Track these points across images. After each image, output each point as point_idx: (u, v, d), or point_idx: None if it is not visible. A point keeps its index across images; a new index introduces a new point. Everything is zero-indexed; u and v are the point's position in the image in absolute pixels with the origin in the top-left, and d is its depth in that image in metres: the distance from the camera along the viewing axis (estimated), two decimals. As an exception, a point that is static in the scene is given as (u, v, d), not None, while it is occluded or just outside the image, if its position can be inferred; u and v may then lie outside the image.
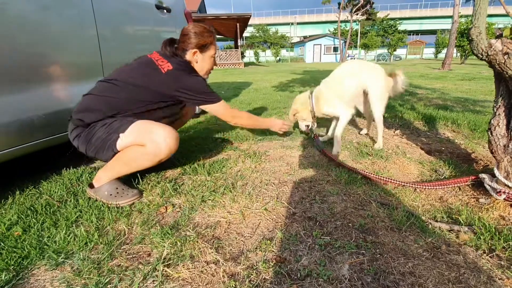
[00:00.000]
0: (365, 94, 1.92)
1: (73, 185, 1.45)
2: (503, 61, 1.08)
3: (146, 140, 1.24)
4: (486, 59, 1.12)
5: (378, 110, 1.89)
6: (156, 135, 1.25)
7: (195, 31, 1.47)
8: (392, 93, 1.98)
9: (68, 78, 1.54)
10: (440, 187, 1.37)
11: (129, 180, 1.45)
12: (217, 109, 1.51)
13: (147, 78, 1.34)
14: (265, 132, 2.44)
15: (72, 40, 1.55)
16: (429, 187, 1.37)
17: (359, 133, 2.38)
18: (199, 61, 1.52)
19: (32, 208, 1.23)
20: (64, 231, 1.05)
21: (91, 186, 1.34)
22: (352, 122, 2.64)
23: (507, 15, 1.14)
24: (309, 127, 2.18)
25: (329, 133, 2.21)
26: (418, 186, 1.38)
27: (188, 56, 1.49)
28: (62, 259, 0.92)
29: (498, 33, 1.14)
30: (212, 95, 1.47)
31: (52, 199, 1.30)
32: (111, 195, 1.28)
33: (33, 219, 1.14)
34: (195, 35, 1.47)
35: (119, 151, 1.28)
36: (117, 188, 1.29)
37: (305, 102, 2.02)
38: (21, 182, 1.49)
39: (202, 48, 1.50)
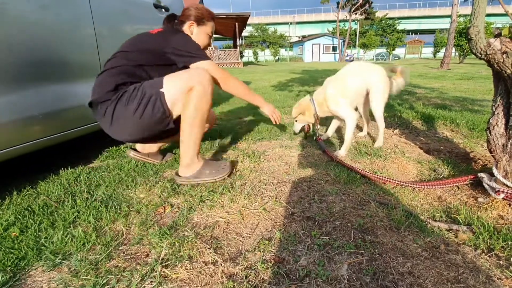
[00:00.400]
0: (366, 93, 1.94)
1: (70, 185, 1.44)
2: (502, 60, 1.08)
3: (191, 83, 1.27)
4: (485, 58, 1.12)
5: (379, 109, 1.91)
6: (194, 75, 1.29)
7: (196, 7, 1.55)
8: (395, 91, 2.02)
9: (65, 78, 1.52)
10: (439, 186, 1.37)
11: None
12: (207, 68, 1.39)
13: (140, 42, 1.39)
14: (264, 131, 2.44)
15: (69, 40, 1.54)
16: (428, 187, 1.37)
17: (356, 134, 2.37)
18: (194, 34, 1.55)
19: (29, 208, 1.22)
20: (61, 232, 1.04)
21: (178, 175, 1.41)
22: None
23: (505, 14, 1.14)
24: (310, 128, 2.18)
25: (328, 132, 2.21)
26: (417, 186, 1.38)
27: (185, 27, 1.54)
28: (60, 260, 0.92)
29: (496, 32, 1.14)
30: (201, 51, 1.43)
31: (49, 200, 1.30)
32: (214, 171, 1.42)
33: (30, 220, 1.13)
34: (195, 9, 1.54)
35: (171, 111, 1.30)
36: (212, 165, 1.44)
37: (308, 106, 2.03)
38: (18, 183, 1.48)
39: (199, 21, 1.54)
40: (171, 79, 1.30)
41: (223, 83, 1.50)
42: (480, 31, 1.10)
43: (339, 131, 2.37)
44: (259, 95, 1.71)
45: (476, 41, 1.11)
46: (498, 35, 1.12)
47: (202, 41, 1.57)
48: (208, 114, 1.40)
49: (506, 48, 1.07)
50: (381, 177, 1.44)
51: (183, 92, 1.28)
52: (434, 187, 1.37)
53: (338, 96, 1.89)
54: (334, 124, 2.21)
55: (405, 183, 1.39)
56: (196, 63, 1.40)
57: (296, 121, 2.14)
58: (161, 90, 1.26)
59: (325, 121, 2.47)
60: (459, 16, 13.11)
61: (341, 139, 2.18)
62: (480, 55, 1.13)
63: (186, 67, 1.41)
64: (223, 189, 1.37)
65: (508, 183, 1.16)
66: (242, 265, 0.88)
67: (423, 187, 1.37)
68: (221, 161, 1.52)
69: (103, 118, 1.32)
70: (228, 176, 1.50)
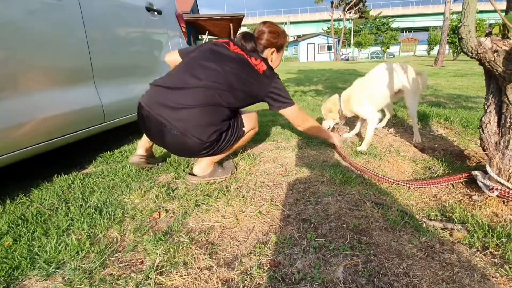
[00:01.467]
0: (396, 92, 2.07)
1: (64, 192, 1.43)
2: (493, 59, 1.08)
3: (253, 124, 1.57)
4: (476, 57, 1.13)
5: (413, 108, 2.05)
6: (255, 119, 1.59)
7: (278, 33, 1.54)
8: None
9: (55, 83, 1.50)
10: (434, 185, 1.38)
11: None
12: (292, 112, 1.56)
13: (247, 82, 1.41)
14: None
15: (59, 44, 1.52)
16: (423, 186, 1.38)
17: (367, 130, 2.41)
18: (273, 60, 1.60)
19: (22, 217, 1.21)
20: (55, 240, 1.03)
21: (193, 175, 1.52)
22: (348, 123, 2.64)
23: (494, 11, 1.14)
24: (332, 127, 2.21)
25: (351, 133, 2.33)
26: (412, 185, 1.38)
27: (266, 53, 1.55)
28: (53, 269, 0.91)
29: (487, 31, 1.14)
30: (289, 97, 1.54)
31: (43, 207, 1.28)
32: (221, 171, 1.56)
33: (23, 229, 1.12)
34: (278, 37, 1.54)
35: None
36: (219, 165, 1.58)
37: (334, 103, 2.09)
38: (11, 190, 1.46)
39: (280, 48, 1.59)
40: (246, 119, 1.54)
41: (302, 126, 1.68)
42: (470, 30, 1.11)
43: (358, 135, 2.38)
44: (328, 131, 1.95)
45: (467, 40, 1.11)
46: (489, 34, 1.13)
47: (278, 63, 1.65)
48: None
49: (497, 46, 1.08)
50: (384, 177, 1.45)
51: (250, 128, 1.56)
52: (429, 186, 1.38)
53: (363, 99, 1.98)
54: (359, 126, 2.33)
55: (401, 182, 1.40)
56: (287, 108, 1.52)
57: (324, 119, 2.17)
58: (243, 128, 1.52)
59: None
60: (452, 13, 13.21)
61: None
62: (471, 54, 1.13)
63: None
64: (218, 192, 1.36)
65: (502, 181, 1.16)
66: (237, 270, 0.88)
67: (418, 186, 1.38)
68: (225, 161, 1.66)
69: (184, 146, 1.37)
70: (233, 173, 1.60)
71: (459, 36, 1.13)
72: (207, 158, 1.48)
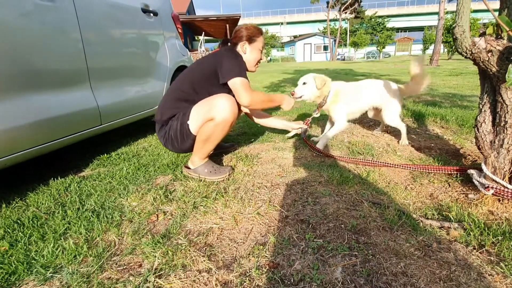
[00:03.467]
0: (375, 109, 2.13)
1: (61, 196, 1.42)
2: (487, 59, 1.10)
3: (212, 114, 1.44)
4: (471, 57, 1.14)
5: (394, 120, 2.03)
6: (217, 106, 1.44)
7: (246, 27, 1.70)
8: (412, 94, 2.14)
9: (50, 85, 1.49)
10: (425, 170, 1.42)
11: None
12: (234, 83, 1.50)
13: (200, 64, 1.60)
14: (257, 134, 2.43)
15: (55, 47, 1.51)
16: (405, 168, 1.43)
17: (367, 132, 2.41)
18: (248, 52, 1.70)
19: (19, 221, 1.20)
20: (52, 245, 1.02)
21: (187, 167, 1.62)
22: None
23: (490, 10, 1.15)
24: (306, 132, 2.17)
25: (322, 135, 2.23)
26: (393, 166, 1.40)
27: (239, 48, 1.69)
28: (51, 274, 0.90)
29: (481, 31, 1.15)
30: (238, 71, 1.51)
31: (39, 211, 1.27)
32: (210, 172, 1.55)
33: (20, 233, 1.11)
34: (245, 29, 1.68)
35: (195, 135, 1.51)
36: (213, 167, 1.58)
37: (328, 85, 2.02)
38: (7, 194, 1.45)
39: (250, 39, 1.68)
40: (196, 110, 1.48)
41: (250, 101, 1.54)
42: (465, 30, 1.12)
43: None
44: (277, 96, 1.79)
45: (461, 40, 1.12)
46: (483, 34, 1.14)
47: (255, 56, 1.72)
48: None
49: (491, 46, 1.09)
50: (358, 160, 1.58)
51: (205, 121, 1.47)
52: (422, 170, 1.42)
53: (343, 103, 2.00)
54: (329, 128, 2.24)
55: (380, 163, 1.41)
56: (230, 80, 1.50)
57: (304, 84, 2.01)
58: (188, 121, 1.48)
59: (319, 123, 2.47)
60: (447, 13, 13.33)
61: (334, 140, 2.19)
62: (465, 54, 1.14)
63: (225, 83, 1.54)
64: (216, 194, 1.36)
65: (497, 179, 1.18)
66: (236, 272, 0.88)
67: (402, 167, 1.44)
68: (224, 166, 1.70)
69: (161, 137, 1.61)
70: (221, 181, 1.53)
71: (454, 37, 1.14)
72: (193, 153, 1.59)
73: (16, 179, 1.69)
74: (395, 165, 1.59)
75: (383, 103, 2.04)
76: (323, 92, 2.01)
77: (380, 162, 1.65)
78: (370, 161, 1.64)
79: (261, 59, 1.79)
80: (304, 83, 2.01)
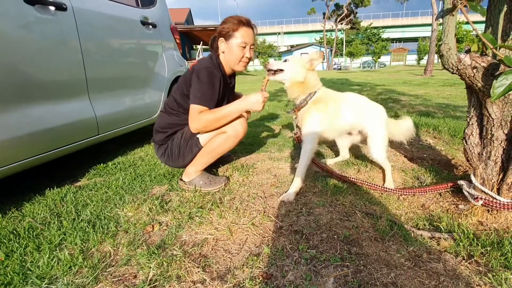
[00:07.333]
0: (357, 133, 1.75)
1: (57, 206, 1.42)
2: (472, 75, 1.14)
3: (225, 128, 1.49)
4: (457, 73, 1.19)
5: (380, 154, 1.60)
6: (232, 121, 1.48)
7: (223, 21, 1.53)
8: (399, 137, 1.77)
9: (49, 96, 1.51)
10: (420, 194, 1.43)
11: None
12: (190, 109, 1.44)
13: (179, 87, 1.59)
14: (253, 144, 2.46)
15: (54, 58, 1.54)
16: (411, 194, 1.42)
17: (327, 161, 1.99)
18: (226, 51, 1.53)
19: (14, 231, 1.20)
20: (47, 255, 1.03)
21: (182, 180, 1.61)
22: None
23: (483, 21, 1.20)
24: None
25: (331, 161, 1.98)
26: (403, 193, 1.42)
27: (220, 48, 1.56)
28: (46, 285, 0.90)
29: (466, 48, 1.21)
30: (200, 95, 1.42)
31: (35, 222, 1.28)
32: (205, 183, 1.55)
33: (15, 244, 1.11)
34: (221, 25, 1.52)
35: (202, 147, 1.54)
36: (208, 178, 1.58)
37: (317, 78, 1.63)
38: (2, 204, 1.45)
39: (226, 36, 1.50)
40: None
41: (198, 125, 1.46)
42: (451, 47, 1.17)
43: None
44: (235, 102, 1.49)
45: (447, 57, 1.17)
46: (468, 51, 1.19)
47: (236, 54, 1.50)
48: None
49: (476, 63, 1.13)
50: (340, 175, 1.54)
51: (216, 133, 1.52)
52: (416, 194, 1.43)
53: (317, 115, 1.55)
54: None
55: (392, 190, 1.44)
56: (191, 104, 1.45)
57: (285, 61, 1.58)
58: (197, 136, 1.53)
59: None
60: (439, 24, 13.65)
61: (331, 149, 2.22)
62: (452, 70, 1.19)
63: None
64: (212, 204, 1.37)
65: (486, 190, 1.21)
66: (230, 283, 0.89)
67: (407, 193, 1.43)
68: (219, 176, 1.70)
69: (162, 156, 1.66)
70: (217, 191, 1.55)
71: (440, 54, 1.19)
72: (190, 164, 1.60)
73: (12, 189, 1.69)
74: (392, 190, 1.47)
75: (367, 126, 1.63)
76: (308, 82, 1.56)
77: (376, 186, 1.49)
78: (363, 181, 1.53)
79: (249, 58, 1.54)
80: (285, 60, 1.56)
